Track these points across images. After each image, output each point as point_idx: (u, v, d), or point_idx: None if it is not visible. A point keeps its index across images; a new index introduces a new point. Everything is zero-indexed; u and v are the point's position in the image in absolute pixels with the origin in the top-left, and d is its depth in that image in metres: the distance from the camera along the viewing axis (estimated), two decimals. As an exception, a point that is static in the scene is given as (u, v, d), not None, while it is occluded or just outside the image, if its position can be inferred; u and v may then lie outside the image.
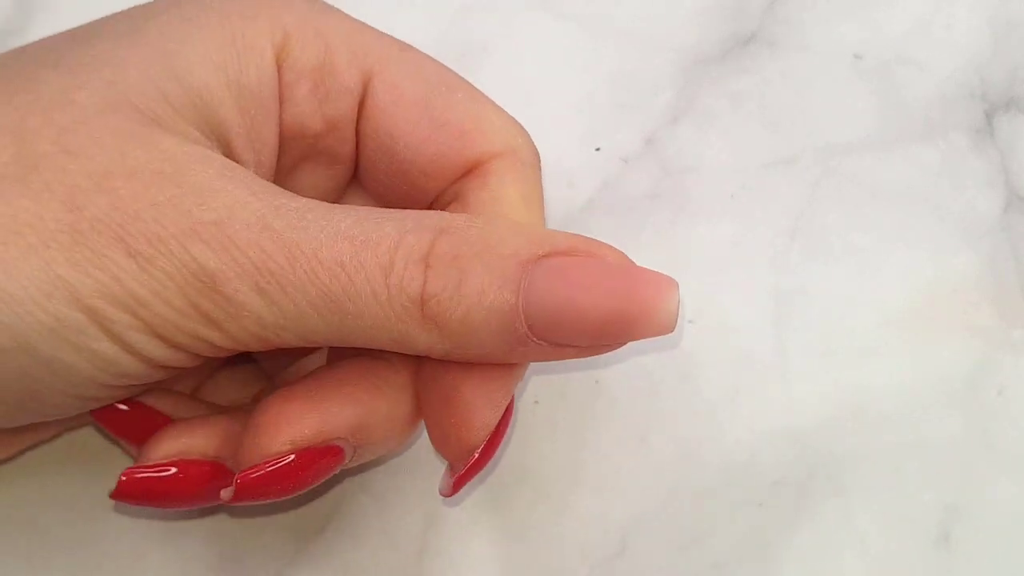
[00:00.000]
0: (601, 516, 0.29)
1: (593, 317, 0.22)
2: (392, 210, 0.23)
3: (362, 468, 0.29)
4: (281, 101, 0.25)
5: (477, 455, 0.25)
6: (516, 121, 0.27)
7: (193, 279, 0.22)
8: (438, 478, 0.26)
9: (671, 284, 0.23)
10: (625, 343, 0.23)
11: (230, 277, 0.22)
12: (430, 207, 0.26)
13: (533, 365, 0.30)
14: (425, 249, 0.22)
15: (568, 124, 0.33)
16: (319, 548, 0.28)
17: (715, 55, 0.34)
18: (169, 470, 0.24)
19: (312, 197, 0.27)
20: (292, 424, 0.24)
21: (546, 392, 0.30)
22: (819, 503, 0.29)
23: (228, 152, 0.24)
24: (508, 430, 0.26)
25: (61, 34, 0.25)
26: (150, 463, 0.24)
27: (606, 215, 0.32)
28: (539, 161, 0.27)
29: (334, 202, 0.27)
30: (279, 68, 0.25)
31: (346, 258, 0.22)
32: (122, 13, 0.25)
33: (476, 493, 0.29)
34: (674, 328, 0.23)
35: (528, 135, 0.27)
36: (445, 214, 0.23)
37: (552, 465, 0.29)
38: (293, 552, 0.28)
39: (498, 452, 0.26)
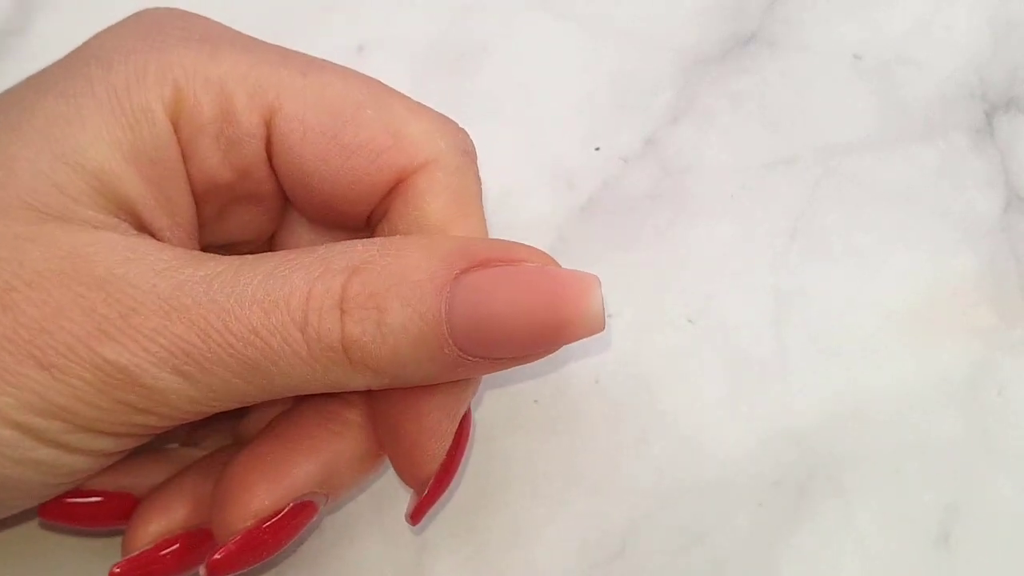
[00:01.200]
0: (601, 516, 0.29)
1: (519, 330, 0.22)
2: (304, 253, 0.23)
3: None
4: (185, 159, 0.24)
5: (432, 483, 0.25)
6: (440, 120, 0.25)
7: (109, 378, 0.21)
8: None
9: (592, 284, 0.22)
10: (559, 348, 0.23)
11: (146, 368, 0.21)
12: (367, 222, 0.26)
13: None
14: (337, 294, 0.22)
15: (568, 124, 0.33)
16: (318, 547, 0.28)
17: (715, 55, 0.34)
18: (158, 553, 0.25)
19: (247, 234, 0.26)
20: (255, 496, 0.24)
21: (546, 392, 0.30)
22: (819, 503, 0.29)
23: (139, 223, 0.24)
24: (465, 456, 0.26)
25: None
26: (138, 552, 0.25)
27: (606, 215, 0.32)
28: (472, 158, 0.25)
29: (273, 232, 0.27)
30: (175, 126, 0.24)
31: (258, 324, 0.21)
32: (13, 93, 0.24)
33: (476, 493, 0.29)
34: (603, 327, 0.22)
35: (456, 133, 0.25)
36: (357, 246, 0.23)
37: (551, 465, 0.29)
38: (292, 551, 0.28)
39: (458, 475, 0.26)
